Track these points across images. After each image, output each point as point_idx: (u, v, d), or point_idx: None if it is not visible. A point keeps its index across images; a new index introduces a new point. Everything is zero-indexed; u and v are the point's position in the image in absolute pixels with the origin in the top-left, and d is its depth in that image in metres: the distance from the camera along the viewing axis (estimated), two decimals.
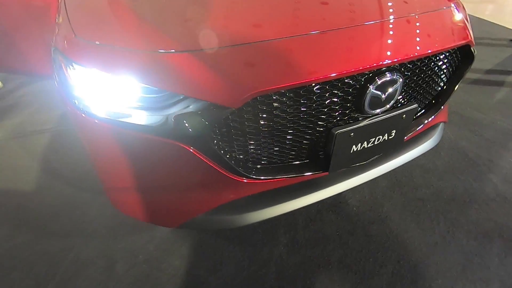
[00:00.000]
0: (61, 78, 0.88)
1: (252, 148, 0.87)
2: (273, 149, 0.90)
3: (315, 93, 0.81)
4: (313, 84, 0.79)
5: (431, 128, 1.28)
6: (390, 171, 1.12)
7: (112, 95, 0.79)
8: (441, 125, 1.32)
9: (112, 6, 0.93)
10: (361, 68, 0.79)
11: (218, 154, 0.82)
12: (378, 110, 0.91)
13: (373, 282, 1.06)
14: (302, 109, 0.83)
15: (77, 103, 0.83)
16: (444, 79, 1.12)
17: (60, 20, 0.97)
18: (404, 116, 0.98)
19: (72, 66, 0.82)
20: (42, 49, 1.70)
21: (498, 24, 3.64)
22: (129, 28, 0.85)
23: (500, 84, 2.35)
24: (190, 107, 0.75)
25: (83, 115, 0.82)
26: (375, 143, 1.00)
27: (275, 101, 0.79)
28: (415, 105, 0.99)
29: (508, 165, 1.55)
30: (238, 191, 0.96)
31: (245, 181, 0.91)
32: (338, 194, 1.23)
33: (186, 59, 0.75)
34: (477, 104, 2.08)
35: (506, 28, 3.50)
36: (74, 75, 0.82)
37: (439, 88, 1.14)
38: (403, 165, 1.13)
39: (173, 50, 0.76)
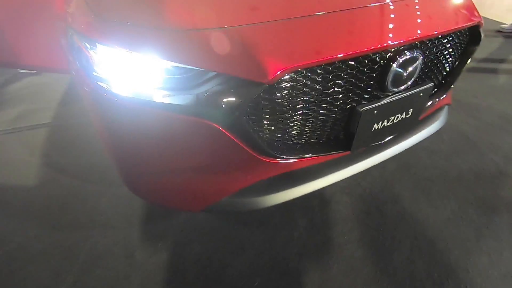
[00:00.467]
0: (81, 61, 0.86)
1: (280, 127, 0.88)
2: (300, 128, 0.91)
3: (343, 70, 0.82)
4: (342, 61, 0.81)
5: (439, 109, 1.32)
6: (396, 154, 1.15)
7: (140, 74, 0.78)
8: (446, 107, 1.37)
9: None
10: (388, 44, 0.81)
11: (248, 133, 0.82)
12: (400, 88, 0.94)
13: (393, 258, 1.09)
14: (330, 86, 0.84)
15: (102, 84, 0.81)
16: (454, 58, 1.15)
17: (74, 2, 0.95)
18: (421, 94, 1.01)
19: (96, 46, 0.80)
20: (42, 41, 1.65)
21: (483, 17, 3.78)
22: (153, 6, 0.84)
23: (492, 71, 2.45)
24: (222, 84, 0.75)
25: (109, 96, 0.80)
26: (394, 121, 1.03)
27: (305, 78, 0.79)
28: (431, 84, 1.02)
29: (507, 145, 1.62)
30: (263, 172, 0.97)
31: (271, 161, 0.92)
32: (350, 177, 1.26)
33: (219, 36, 0.75)
34: (473, 90, 2.16)
35: (490, 19, 3.64)
36: (99, 56, 0.80)
37: (449, 68, 1.18)
38: (409, 148, 1.16)
39: (206, 28, 0.76)
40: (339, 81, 0.84)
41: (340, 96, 0.87)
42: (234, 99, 0.75)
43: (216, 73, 0.74)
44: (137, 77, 0.78)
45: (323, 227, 1.21)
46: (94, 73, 0.82)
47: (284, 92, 0.79)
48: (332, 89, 0.84)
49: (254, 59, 0.74)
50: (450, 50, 1.08)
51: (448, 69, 1.18)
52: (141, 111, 0.79)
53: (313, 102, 0.85)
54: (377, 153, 1.12)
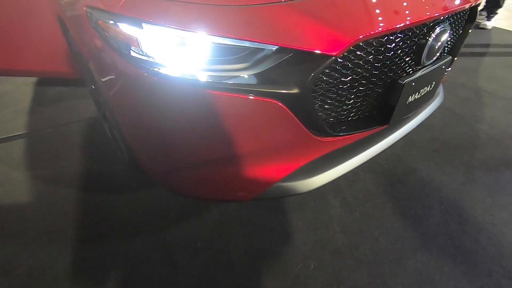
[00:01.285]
0: (117, 45, 0.77)
1: (335, 103, 0.88)
2: (352, 103, 0.92)
3: (391, 43, 0.85)
4: (392, 33, 0.83)
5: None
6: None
7: (195, 54, 0.73)
8: (441, 84, 1.49)
9: None
10: (430, 16, 0.86)
11: (309, 110, 0.80)
12: (431, 60, 1.00)
13: (429, 222, 1.16)
14: (380, 59, 0.86)
15: (159, 70, 0.74)
16: (459, 33, 1.26)
17: None
18: (443, 67, 1.09)
19: (142, 26, 0.73)
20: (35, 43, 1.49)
21: None
22: None
23: (460, 55, 2.73)
24: (289, 59, 0.73)
25: (162, 79, 0.73)
26: (422, 94, 1.09)
27: (363, 51, 0.81)
28: (450, 57, 1.11)
29: (488, 115, 1.82)
30: (314, 152, 0.96)
31: (322, 139, 0.92)
32: None
33: (287, 9, 0.73)
34: None
35: None
36: (149, 36, 0.73)
37: (455, 42, 1.29)
38: None
39: (270, 2, 0.74)
40: (388, 54, 0.87)
41: (387, 69, 0.90)
42: (300, 74, 0.74)
43: (282, 48, 0.72)
44: (192, 57, 0.73)
45: (357, 204, 1.24)
46: (142, 57, 0.75)
47: (346, 65, 0.80)
48: (381, 62, 0.87)
49: (323, 31, 0.73)
50: (459, 25, 1.18)
51: (455, 43, 1.29)
52: (196, 93, 0.74)
53: (366, 76, 0.87)
54: (403, 126, 1.18)
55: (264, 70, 0.74)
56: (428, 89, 1.10)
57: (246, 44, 0.72)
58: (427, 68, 1.01)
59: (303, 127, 0.83)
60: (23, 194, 1.31)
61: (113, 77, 0.84)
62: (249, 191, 0.94)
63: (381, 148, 1.12)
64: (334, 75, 0.80)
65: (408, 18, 0.82)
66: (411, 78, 0.95)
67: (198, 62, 0.74)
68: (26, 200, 1.28)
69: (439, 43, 0.96)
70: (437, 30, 0.92)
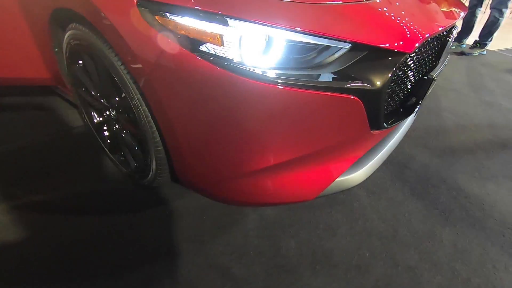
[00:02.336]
0: (189, 41, 0.69)
1: (396, 97, 0.94)
2: (399, 97, 0.99)
3: (430, 43, 0.95)
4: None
5: None
6: None
7: (279, 51, 0.70)
8: None
9: None
10: (454, 20, 0.99)
11: (380, 105, 0.84)
12: (446, 58, 1.15)
13: (442, 200, 1.31)
14: (425, 57, 0.96)
15: (245, 68, 0.68)
16: None
17: None
18: (445, 64, 1.26)
19: (227, 23, 0.67)
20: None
21: None
22: None
23: None
24: (365, 56, 0.76)
25: (243, 78, 0.69)
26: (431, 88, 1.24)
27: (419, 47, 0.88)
28: (448, 56, 1.29)
29: (451, 106, 2.15)
30: (366, 145, 1.01)
31: (375, 132, 0.97)
32: None
33: (369, 8, 0.75)
34: None
35: None
36: (232, 32, 0.67)
37: None
38: None
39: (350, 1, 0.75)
40: (430, 52, 0.97)
41: (425, 65, 1.01)
42: (380, 70, 0.78)
43: (358, 46, 0.74)
44: (275, 55, 0.71)
45: (380, 192, 1.33)
46: (223, 54, 0.69)
47: (409, 62, 0.86)
48: (423, 60, 0.97)
49: (402, 30, 0.78)
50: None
51: None
52: (279, 92, 0.71)
53: (415, 72, 0.95)
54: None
55: (344, 68, 0.76)
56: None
57: (325, 41, 0.72)
58: (441, 65, 1.15)
59: (367, 121, 0.87)
60: (9, 226, 1.05)
61: (171, 77, 0.75)
62: (314, 190, 0.94)
63: (400, 138, 1.23)
64: (402, 71, 0.86)
65: (446, 21, 0.93)
66: (436, 73, 1.07)
67: (281, 60, 0.72)
68: (16, 235, 1.04)
69: (451, 43, 1.11)
70: (454, 32, 1.06)
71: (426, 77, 1.04)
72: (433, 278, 1.00)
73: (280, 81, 0.70)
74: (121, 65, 0.87)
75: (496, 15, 2.89)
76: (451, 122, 1.93)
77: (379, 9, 0.78)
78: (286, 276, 0.98)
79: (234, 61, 0.69)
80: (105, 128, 1.32)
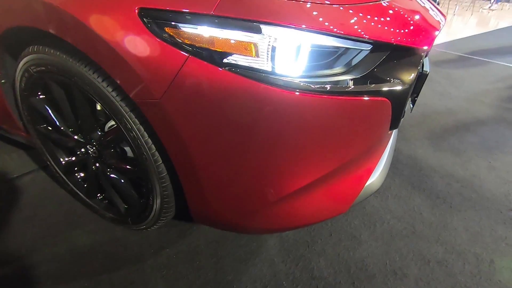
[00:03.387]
0: (213, 54, 0.59)
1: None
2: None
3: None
4: None
5: None
6: None
7: (312, 58, 0.64)
8: None
9: None
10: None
11: (405, 104, 0.83)
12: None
13: (440, 188, 1.37)
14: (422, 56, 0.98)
15: (276, 78, 0.60)
16: None
17: None
18: None
19: (259, 30, 0.58)
20: None
21: None
22: None
23: None
24: (390, 55, 0.74)
25: (277, 88, 0.60)
26: None
27: None
28: None
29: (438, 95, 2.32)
30: (383, 146, 0.99)
31: (390, 132, 0.96)
32: None
33: (389, 8, 0.73)
34: None
35: None
36: (269, 43, 0.58)
37: None
38: None
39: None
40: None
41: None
42: (406, 69, 0.76)
43: (384, 45, 0.72)
44: (310, 63, 0.64)
45: (385, 190, 1.33)
46: (255, 65, 0.59)
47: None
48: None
49: (422, 28, 0.78)
50: None
51: None
52: (318, 102, 0.65)
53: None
54: None
55: (372, 70, 0.72)
56: None
57: (350, 43, 0.68)
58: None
59: (390, 122, 0.85)
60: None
61: (191, 98, 0.62)
62: (347, 201, 0.88)
63: (396, 137, 1.26)
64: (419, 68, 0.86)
65: (442, 18, 0.97)
66: (427, 69, 1.12)
67: (315, 67, 0.65)
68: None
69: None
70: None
71: (421, 72, 1.08)
72: (463, 268, 1.01)
73: (320, 89, 0.63)
74: (112, 91, 0.71)
75: None
76: (417, 113, 2.08)
77: (396, 9, 0.77)
78: None
79: (270, 71, 0.60)
80: (76, 169, 1.10)
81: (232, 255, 1.02)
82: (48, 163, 1.11)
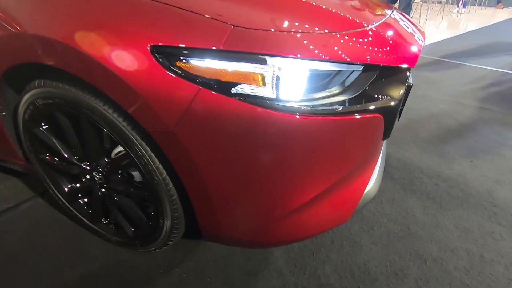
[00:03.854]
0: (223, 84, 0.64)
1: None
2: None
3: None
4: None
5: None
6: None
7: (312, 83, 0.70)
8: None
9: None
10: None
11: (395, 117, 0.89)
12: None
13: (429, 189, 1.45)
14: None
15: (285, 106, 0.65)
16: None
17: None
18: None
19: (265, 61, 0.64)
20: None
21: None
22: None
23: None
24: (379, 75, 0.81)
25: (283, 113, 0.66)
26: None
27: None
28: None
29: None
30: (377, 156, 1.05)
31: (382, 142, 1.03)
32: None
33: (375, 33, 0.80)
34: None
35: None
36: (274, 73, 0.64)
37: None
38: None
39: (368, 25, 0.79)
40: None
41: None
42: (395, 86, 0.83)
43: (373, 66, 0.79)
44: (309, 88, 0.70)
45: (379, 195, 1.40)
46: (262, 94, 0.65)
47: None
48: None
49: (407, 49, 0.85)
50: None
51: None
52: (321, 123, 0.71)
53: None
54: None
55: (364, 89, 0.79)
56: None
57: (344, 66, 0.75)
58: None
59: (383, 133, 0.92)
60: None
61: (203, 126, 0.67)
62: (349, 210, 0.93)
63: (386, 141, 1.34)
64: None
65: (423, 37, 1.06)
66: (411, 81, 1.20)
67: (314, 90, 0.71)
68: None
69: None
70: None
71: (410, 83, 1.16)
72: (457, 264, 1.09)
73: (320, 112, 0.69)
74: (123, 121, 0.74)
75: None
76: (402, 117, 2.19)
77: (381, 33, 0.85)
78: None
79: (275, 98, 0.66)
80: (80, 195, 1.11)
81: (240, 269, 1.05)
82: (50, 190, 1.11)
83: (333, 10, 0.87)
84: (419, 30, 1.20)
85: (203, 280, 1.01)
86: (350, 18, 0.84)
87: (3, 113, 0.99)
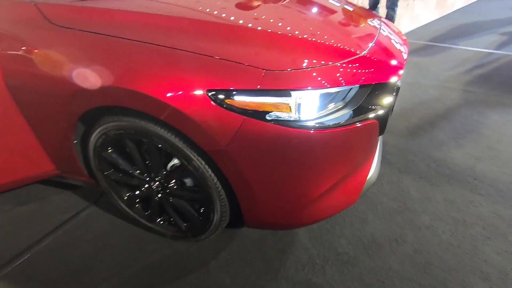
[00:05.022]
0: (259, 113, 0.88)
1: None
2: None
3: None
4: None
5: None
6: None
7: (320, 104, 0.95)
8: None
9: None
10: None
11: (387, 119, 1.14)
12: None
13: (422, 170, 1.72)
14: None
15: (298, 123, 0.90)
16: None
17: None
18: None
19: (290, 94, 0.88)
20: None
21: None
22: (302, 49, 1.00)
23: None
24: (372, 89, 1.05)
25: (311, 131, 0.91)
26: None
27: None
28: None
29: None
30: (375, 147, 1.31)
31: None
32: None
33: (367, 58, 1.04)
34: None
35: None
36: (296, 102, 0.88)
37: None
38: None
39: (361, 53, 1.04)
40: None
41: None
42: (385, 95, 1.07)
43: (373, 84, 1.03)
44: (323, 108, 0.95)
45: (380, 178, 1.67)
46: (288, 117, 0.89)
47: None
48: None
49: (390, 67, 1.09)
50: None
51: None
52: (334, 134, 0.96)
53: None
54: None
55: (362, 103, 1.03)
56: None
57: (345, 89, 0.99)
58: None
59: (379, 132, 1.17)
60: None
61: (248, 144, 0.91)
62: (356, 193, 1.19)
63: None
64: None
65: (406, 49, 1.30)
66: (400, 82, 1.44)
67: (323, 107, 0.96)
68: None
69: None
70: None
71: (399, 85, 1.41)
72: (445, 228, 1.36)
73: (332, 125, 0.93)
74: (183, 143, 0.99)
75: (391, 12, 3.70)
76: (396, 106, 2.44)
77: (372, 57, 1.08)
78: (352, 268, 1.21)
79: (298, 119, 0.90)
80: (138, 200, 1.36)
81: (273, 248, 1.31)
82: (112, 199, 1.36)
83: (333, 42, 1.09)
84: (403, 40, 1.44)
85: (245, 260, 1.28)
86: (347, 48, 1.07)
87: (75, 141, 1.23)
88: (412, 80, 2.90)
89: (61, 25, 1.03)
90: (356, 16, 1.51)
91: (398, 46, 1.28)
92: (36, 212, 1.58)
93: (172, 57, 0.93)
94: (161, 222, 1.36)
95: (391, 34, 1.40)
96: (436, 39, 4.17)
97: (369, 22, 1.42)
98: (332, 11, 1.50)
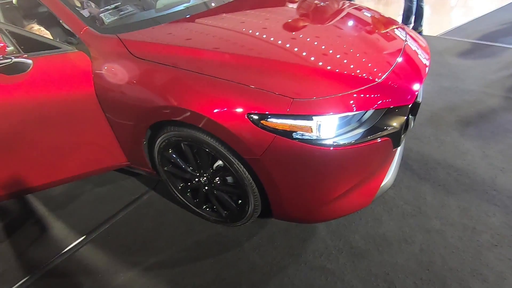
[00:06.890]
0: (288, 133, 1.13)
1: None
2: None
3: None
4: None
5: None
6: None
7: (338, 125, 1.16)
8: None
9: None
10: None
11: (400, 136, 1.31)
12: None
13: (442, 177, 1.83)
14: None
15: (320, 142, 1.13)
16: None
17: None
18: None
19: (311, 118, 1.11)
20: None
21: None
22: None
23: None
24: (387, 112, 1.23)
25: (331, 148, 1.13)
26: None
27: None
28: None
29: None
30: (391, 158, 1.49)
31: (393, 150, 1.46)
32: None
33: (383, 85, 1.23)
34: None
35: None
36: (317, 124, 1.12)
37: None
38: None
39: (378, 80, 1.23)
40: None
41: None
42: (398, 117, 1.25)
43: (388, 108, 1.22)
44: (341, 128, 1.16)
45: (399, 182, 1.82)
46: (311, 136, 1.13)
47: None
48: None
49: (404, 92, 1.26)
50: None
51: None
52: (352, 149, 1.17)
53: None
54: None
55: (376, 122, 1.22)
56: None
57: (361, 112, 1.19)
58: (421, 91, 1.66)
59: (392, 146, 1.35)
60: None
61: (278, 156, 1.17)
62: (370, 197, 1.40)
63: (403, 146, 1.73)
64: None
65: (425, 68, 1.43)
66: (420, 98, 1.58)
67: (341, 126, 1.17)
68: None
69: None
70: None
71: (415, 103, 1.55)
72: (453, 233, 1.50)
73: (348, 143, 1.15)
74: (227, 151, 1.27)
75: (408, 2, 3.99)
76: (424, 111, 2.50)
77: (389, 83, 1.25)
78: (363, 260, 1.43)
79: (319, 137, 1.13)
80: (189, 190, 1.70)
81: (297, 237, 1.57)
82: (169, 187, 1.72)
83: (353, 68, 1.28)
84: (424, 50, 1.56)
85: (273, 244, 1.56)
86: (365, 76, 1.25)
87: (144, 142, 1.59)
88: (449, 84, 2.88)
89: (139, 57, 1.36)
90: (383, 35, 1.64)
91: (419, 64, 1.42)
92: (110, 192, 2.01)
93: (221, 85, 1.21)
94: (207, 209, 1.69)
95: (413, 46, 1.53)
96: (486, 37, 3.93)
97: (394, 43, 1.55)
98: (361, 31, 1.66)
